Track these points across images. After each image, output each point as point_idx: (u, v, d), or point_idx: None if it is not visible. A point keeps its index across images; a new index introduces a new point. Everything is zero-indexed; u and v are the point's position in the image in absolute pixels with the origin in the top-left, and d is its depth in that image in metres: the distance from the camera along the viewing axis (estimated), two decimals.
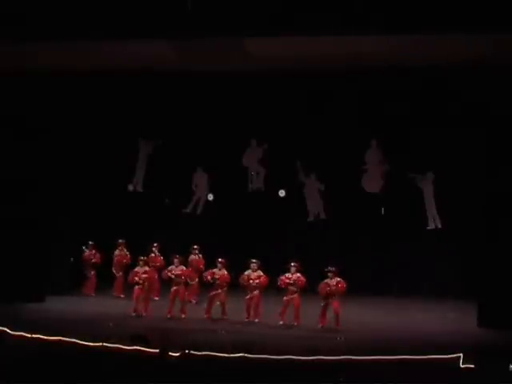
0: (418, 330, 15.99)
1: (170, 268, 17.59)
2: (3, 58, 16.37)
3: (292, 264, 16.60)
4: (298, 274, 16.52)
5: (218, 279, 17.02)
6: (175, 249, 18.49)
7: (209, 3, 14.92)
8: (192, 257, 18.99)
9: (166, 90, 19.06)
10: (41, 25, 15.29)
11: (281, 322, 16.50)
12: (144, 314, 17.26)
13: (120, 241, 19.92)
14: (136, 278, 17.48)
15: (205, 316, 17.08)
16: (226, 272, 17.09)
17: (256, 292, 16.70)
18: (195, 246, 19.01)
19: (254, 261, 16.84)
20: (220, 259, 17.22)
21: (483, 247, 16.68)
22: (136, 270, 17.73)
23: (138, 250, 19.08)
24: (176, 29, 14.98)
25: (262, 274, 16.78)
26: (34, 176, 18.56)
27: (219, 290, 17.03)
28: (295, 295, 16.47)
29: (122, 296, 19.37)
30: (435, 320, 16.91)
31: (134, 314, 17.24)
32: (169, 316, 17.12)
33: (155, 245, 19.41)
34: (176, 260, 17.53)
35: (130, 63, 16.68)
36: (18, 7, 15.51)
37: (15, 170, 18.41)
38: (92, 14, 15.21)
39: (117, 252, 19.86)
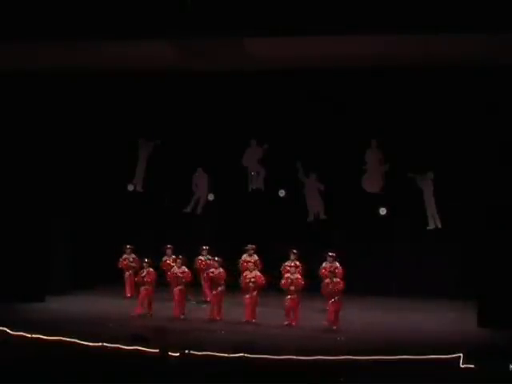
0: (418, 329, 15.99)
1: (172, 269, 17.56)
2: (3, 57, 16.37)
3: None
4: (288, 275, 16.50)
5: (216, 278, 17.02)
6: (175, 249, 18.52)
7: (209, 3, 14.92)
8: (200, 257, 18.92)
9: (165, 89, 19.08)
10: (41, 24, 15.29)
11: (285, 323, 16.42)
12: (149, 314, 17.30)
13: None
14: (141, 279, 17.53)
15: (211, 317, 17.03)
16: (222, 270, 17.04)
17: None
18: (204, 247, 18.91)
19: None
20: (217, 258, 17.30)
21: (483, 247, 16.67)
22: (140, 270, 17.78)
23: (138, 251, 19.15)
24: (176, 29, 14.98)
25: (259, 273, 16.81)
26: (34, 176, 18.56)
27: (219, 289, 17.03)
28: (292, 296, 16.35)
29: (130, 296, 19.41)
30: (435, 320, 16.90)
31: (146, 314, 17.26)
32: (180, 316, 17.13)
33: (168, 246, 19.00)
34: (178, 261, 17.51)
35: (130, 63, 16.68)
36: (18, 7, 15.50)
37: (15, 170, 18.42)
38: (92, 13, 15.21)
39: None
